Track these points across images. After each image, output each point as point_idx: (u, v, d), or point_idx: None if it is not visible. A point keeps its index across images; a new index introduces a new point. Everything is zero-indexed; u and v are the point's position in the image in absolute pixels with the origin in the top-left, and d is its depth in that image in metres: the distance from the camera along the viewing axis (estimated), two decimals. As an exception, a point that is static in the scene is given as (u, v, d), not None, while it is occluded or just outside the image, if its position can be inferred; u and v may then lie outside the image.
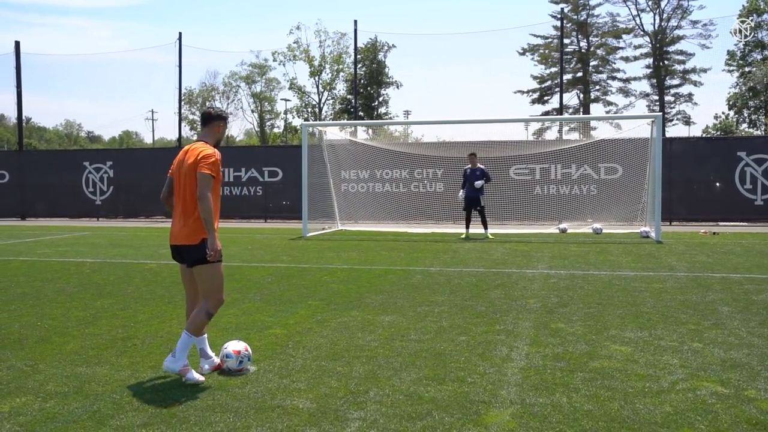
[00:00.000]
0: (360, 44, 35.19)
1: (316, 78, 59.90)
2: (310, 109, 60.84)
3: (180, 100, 30.18)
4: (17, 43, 28.66)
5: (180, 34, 27.40)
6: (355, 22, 29.03)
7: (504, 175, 22.30)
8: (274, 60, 61.05)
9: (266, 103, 72.00)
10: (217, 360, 5.84)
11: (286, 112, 67.65)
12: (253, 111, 72.54)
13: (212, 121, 5.82)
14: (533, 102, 61.96)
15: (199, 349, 5.80)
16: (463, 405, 4.95)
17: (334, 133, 24.86)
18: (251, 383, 5.50)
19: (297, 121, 63.63)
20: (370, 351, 6.43)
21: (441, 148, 24.37)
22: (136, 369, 5.96)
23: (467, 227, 18.48)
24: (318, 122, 30.30)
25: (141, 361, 6.24)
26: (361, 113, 49.83)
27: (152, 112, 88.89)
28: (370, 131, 44.01)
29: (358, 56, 36.37)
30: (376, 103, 58.34)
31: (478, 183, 17.94)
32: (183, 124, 33.91)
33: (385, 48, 56.74)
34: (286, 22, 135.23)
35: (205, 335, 5.85)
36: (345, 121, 36.99)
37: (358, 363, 6.03)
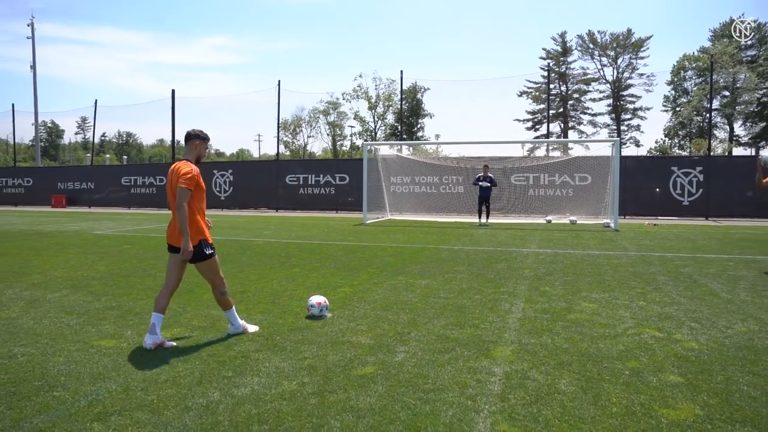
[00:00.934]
0: (404, 87, 34.98)
1: (373, 111, 60.05)
2: (368, 133, 60.90)
3: (278, 127, 30.40)
4: (173, 91, 29.23)
5: (279, 81, 27.61)
6: (401, 72, 28.96)
7: (507, 181, 22.33)
8: (343, 98, 61.58)
9: (337, 129, 72.30)
10: (160, 339, 4.91)
11: (351, 135, 67.91)
12: (328, 134, 72.83)
13: (190, 140, 5.09)
14: (528, 129, 61.97)
15: (152, 324, 4.90)
16: (478, 343, 4.95)
17: (385, 150, 24.84)
18: (328, 325, 5.57)
19: (359, 142, 63.83)
20: (412, 305, 6.44)
21: (462, 161, 24.19)
22: (250, 313, 6.07)
23: (479, 217, 18.40)
24: (374, 142, 30.16)
25: (253, 307, 6.35)
26: (404, 136, 49.76)
27: (259, 135, 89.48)
28: (411, 149, 43.89)
29: (403, 95, 36.26)
30: (416, 128, 58.19)
31: (484, 183, 18.08)
32: (280, 144, 34.00)
33: (422, 89, 56.68)
34: (352, 71, 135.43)
35: (162, 315, 4.95)
36: (393, 142, 36.83)
37: (402, 313, 6.05)
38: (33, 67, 45.91)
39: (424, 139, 57.29)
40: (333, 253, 10.99)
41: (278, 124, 30.05)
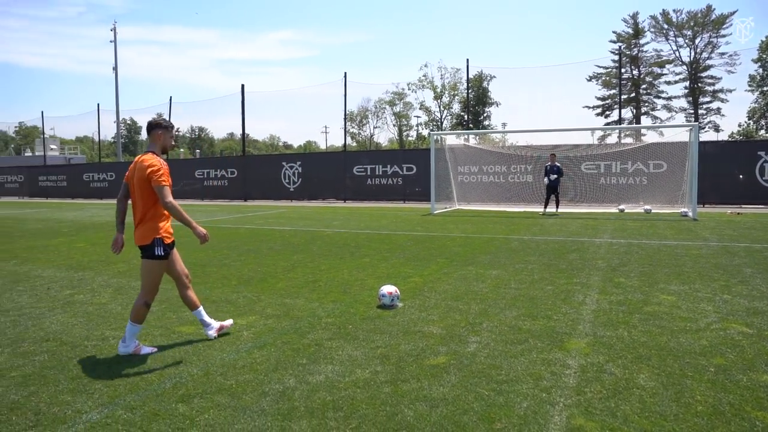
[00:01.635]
0: (470, 75, 34.47)
1: (438, 101, 59.73)
2: (434, 123, 60.63)
3: (345, 119, 30.68)
4: (242, 86, 30.04)
5: (345, 73, 27.83)
6: (467, 60, 28.96)
7: (577, 169, 21.65)
8: (409, 89, 61.53)
9: (403, 119, 72.38)
10: (218, 323, 4.98)
11: (417, 126, 67.81)
12: (394, 125, 73.03)
13: (152, 131, 4.74)
14: (597, 115, 59.46)
15: (200, 320, 4.92)
16: (551, 335, 4.85)
17: (451, 140, 24.61)
18: (399, 315, 5.59)
19: (425, 132, 63.62)
20: (482, 295, 6.38)
21: (529, 149, 23.68)
22: (322, 302, 6.17)
23: (545, 206, 17.99)
24: (441, 132, 29.97)
25: (325, 296, 6.45)
26: (470, 125, 49.12)
27: (325, 127, 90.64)
28: (478, 138, 43.34)
29: (469, 84, 35.79)
30: (482, 117, 57.31)
31: (552, 177, 17.62)
32: (347, 135, 34.31)
33: (488, 78, 55.65)
34: (417, 61, 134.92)
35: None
36: (460, 131, 36.44)
37: (473, 303, 6.00)
38: (115, 68, 48.35)
39: (491, 128, 56.43)
40: (402, 243, 11.00)
41: (345, 115, 30.32)
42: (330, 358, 4.37)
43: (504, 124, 60.07)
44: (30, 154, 67.75)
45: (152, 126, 4.75)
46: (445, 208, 21.12)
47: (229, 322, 5.12)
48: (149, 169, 4.51)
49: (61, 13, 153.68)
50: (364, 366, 4.18)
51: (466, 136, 27.29)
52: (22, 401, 3.71)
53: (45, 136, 50.26)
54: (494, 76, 54.96)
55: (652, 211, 18.43)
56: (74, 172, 38.44)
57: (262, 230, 13.92)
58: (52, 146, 61.26)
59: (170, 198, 4.53)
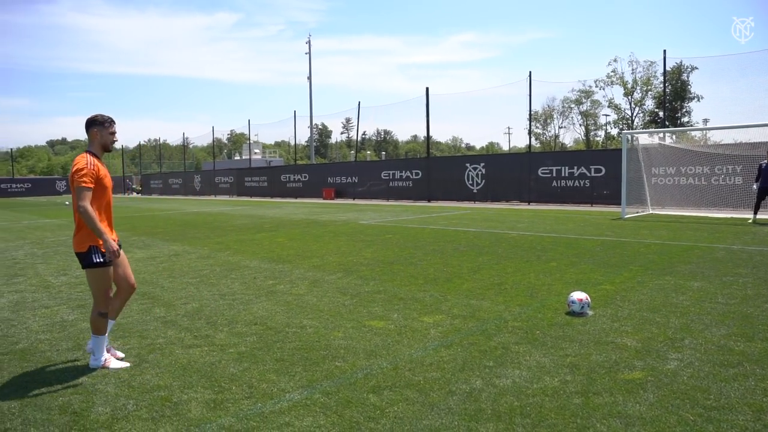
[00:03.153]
0: (667, 68, 31.59)
1: (629, 97, 55.73)
2: (624, 121, 56.70)
3: (530, 119, 29.98)
4: (427, 89, 30.64)
5: (530, 72, 27.00)
6: (664, 51, 26.29)
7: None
8: (596, 86, 58.24)
9: (590, 118, 68.80)
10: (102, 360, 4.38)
11: (605, 125, 63.99)
12: (580, 125, 69.77)
13: (88, 129, 4.40)
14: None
15: (96, 343, 4.41)
16: (771, 359, 4.26)
17: (644, 139, 22.74)
18: (590, 323, 5.30)
19: (613, 131, 59.87)
20: (683, 308, 5.80)
21: (738, 148, 21.06)
22: (509, 305, 6.06)
23: (755, 213, 15.78)
24: (633, 131, 27.83)
25: (511, 300, 6.32)
26: (667, 123, 45.05)
27: (508, 128, 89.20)
28: (675, 137, 39.70)
29: (666, 77, 32.88)
30: (679, 114, 52.22)
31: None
32: (531, 136, 33.45)
33: (688, 69, 50.50)
34: (605, 56, 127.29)
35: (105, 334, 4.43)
36: (654, 129, 33.60)
37: (673, 316, 5.48)
38: (309, 78, 52.34)
39: (690, 125, 51.26)
40: (590, 248, 10.44)
41: (530, 116, 29.59)
42: (517, 362, 4.27)
43: (705, 121, 54.21)
44: (238, 157, 75.91)
45: (88, 124, 4.42)
46: (637, 212, 19.61)
47: (124, 364, 4.44)
48: (73, 170, 4.23)
49: (264, 32, 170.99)
50: (552, 374, 4.02)
51: (661, 135, 25.11)
52: (238, 374, 4.15)
53: (250, 141, 55.92)
54: (695, 68, 49.79)
55: None
56: (273, 174, 42.23)
57: (446, 231, 14.08)
58: (256, 150, 68.00)
59: (85, 202, 4.12)
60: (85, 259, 4.26)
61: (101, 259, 4.26)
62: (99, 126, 4.40)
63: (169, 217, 22.11)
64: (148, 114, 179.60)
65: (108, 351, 4.49)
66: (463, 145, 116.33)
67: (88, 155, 4.32)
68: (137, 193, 61.04)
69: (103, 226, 4.20)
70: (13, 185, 62.74)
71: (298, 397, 3.73)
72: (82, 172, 4.17)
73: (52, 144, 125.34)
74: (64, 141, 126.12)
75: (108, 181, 4.41)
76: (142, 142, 76.55)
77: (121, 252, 4.45)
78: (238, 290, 7.17)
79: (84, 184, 4.15)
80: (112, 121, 4.47)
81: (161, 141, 72.04)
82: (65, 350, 4.86)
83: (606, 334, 4.95)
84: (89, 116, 4.42)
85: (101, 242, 4.21)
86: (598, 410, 3.41)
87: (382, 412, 3.47)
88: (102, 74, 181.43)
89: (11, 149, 79.48)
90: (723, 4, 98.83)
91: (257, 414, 3.48)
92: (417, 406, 3.54)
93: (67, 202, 37.44)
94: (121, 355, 4.60)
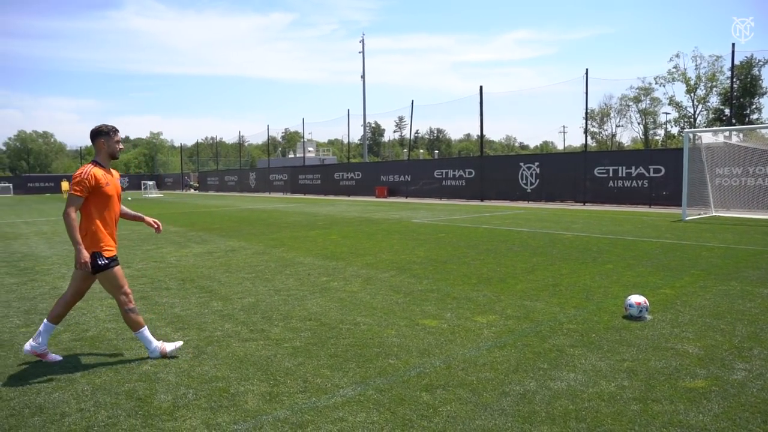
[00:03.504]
0: (736, 62, 30.23)
1: (692, 94, 53.40)
2: (685, 120, 54.49)
3: (586, 118, 29.32)
4: (480, 87, 30.34)
5: (587, 70, 26.35)
6: (732, 45, 25.20)
7: None
8: (656, 83, 56.17)
9: (649, 117, 66.68)
10: (41, 350, 4.49)
11: (666, 123, 61.86)
12: (638, 123, 67.77)
13: (93, 140, 4.49)
14: None
15: (39, 330, 4.51)
16: None
17: (708, 138, 21.87)
18: (648, 328, 5.15)
19: (674, 129, 57.77)
20: (751, 316, 5.55)
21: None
22: (563, 307, 5.95)
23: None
24: (696, 130, 26.76)
25: (566, 301, 6.21)
26: (733, 120, 43.09)
27: (563, 127, 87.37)
28: (742, 135, 38.01)
29: (734, 73, 31.44)
30: (748, 111, 49.79)
31: None
32: (587, 135, 32.67)
33: (759, 63, 47.99)
34: (667, 52, 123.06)
35: (54, 325, 4.53)
36: (720, 128, 32.27)
37: (740, 324, 5.26)
38: (363, 77, 52.58)
39: (761, 123, 48.91)
40: (649, 250, 10.12)
41: (586, 114, 28.97)
42: (572, 365, 4.20)
43: (778, 118, 51.67)
44: (292, 156, 77.18)
45: (93, 134, 4.50)
46: (699, 214, 18.90)
47: (56, 357, 4.57)
48: (73, 176, 4.36)
49: (318, 32, 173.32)
50: (609, 378, 3.93)
51: (726, 133, 24.13)
52: (293, 369, 4.24)
53: (304, 139, 56.68)
54: (768, 61, 47.37)
55: None
56: (327, 172, 42.70)
57: (499, 230, 13.92)
58: (310, 149, 68.96)
59: (70, 209, 4.26)
60: (92, 265, 4.34)
61: (105, 261, 4.37)
62: (105, 136, 4.49)
63: (225, 213, 22.68)
64: (205, 113, 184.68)
65: (45, 356, 4.52)
66: (516, 144, 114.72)
67: (89, 165, 4.43)
68: (194, 190, 62.89)
69: (79, 236, 4.27)
70: (80, 181, 65.80)
71: (352, 392, 3.77)
72: (75, 181, 4.31)
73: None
74: (127, 139, 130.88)
75: (111, 189, 4.47)
76: (199, 140, 78.77)
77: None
78: (293, 286, 7.30)
79: (74, 192, 4.29)
80: (116, 131, 4.57)
81: (218, 139, 74.10)
82: (129, 339, 5.06)
83: (666, 339, 4.80)
84: (96, 126, 4.52)
85: (104, 248, 4.37)
86: (657, 418, 3.32)
87: (435, 411, 3.47)
88: (162, 75, 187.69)
89: (80, 148, 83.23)
90: (723, 4, 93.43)
91: (312, 408, 3.54)
92: (470, 406, 3.53)
93: (129, 198, 38.95)
94: (58, 358, 4.56)
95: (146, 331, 4.54)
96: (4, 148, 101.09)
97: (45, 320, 4.53)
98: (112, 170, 4.61)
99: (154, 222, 4.98)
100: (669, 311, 5.73)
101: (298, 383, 3.96)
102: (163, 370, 4.25)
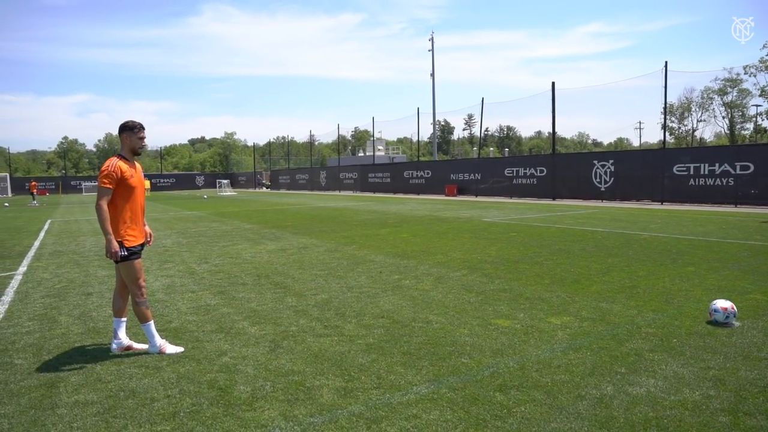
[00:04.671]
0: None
1: (788, 83, 50.22)
2: (781, 112, 51.35)
3: (665, 113, 28.09)
4: (553, 84, 29.63)
5: (666, 62, 25.18)
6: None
7: None
8: (746, 73, 52.93)
9: (736, 110, 62.97)
10: (125, 343, 4.74)
11: (756, 116, 58.23)
12: (723, 117, 64.17)
13: (120, 135, 4.68)
14: None
15: (114, 329, 4.75)
16: None
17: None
18: (737, 335, 4.89)
19: (765, 123, 54.40)
20: None
21: None
22: (641, 310, 5.75)
23: None
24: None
25: (644, 304, 5.99)
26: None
27: (639, 123, 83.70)
28: None
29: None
30: None
31: None
32: (665, 131, 31.26)
33: None
34: (760, 38, 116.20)
35: (121, 318, 4.73)
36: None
37: (837, 331, 4.93)
38: (432, 74, 52.38)
39: None
40: (735, 252, 9.61)
41: (665, 109, 27.75)
42: (652, 371, 4.05)
43: None
44: (362, 154, 77.91)
45: (120, 130, 4.68)
46: (792, 215, 17.77)
47: (178, 349, 4.77)
48: (101, 169, 4.53)
49: (387, 31, 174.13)
50: (693, 386, 3.77)
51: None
52: (367, 365, 4.30)
53: (374, 138, 57.12)
54: None
55: None
56: (396, 170, 42.88)
57: (572, 230, 13.58)
58: (379, 147, 69.41)
59: (101, 201, 4.44)
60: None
61: (125, 253, 4.55)
62: (129, 131, 4.66)
63: (297, 211, 23.20)
64: (276, 112, 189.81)
65: (131, 347, 4.74)
66: (589, 141, 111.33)
67: (114, 158, 4.61)
68: (266, 188, 64.62)
69: (110, 227, 4.45)
70: (161, 180, 70.18)
71: (425, 390, 3.79)
72: (103, 174, 4.48)
73: (192, 142, 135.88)
74: (203, 139, 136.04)
75: (135, 182, 4.65)
76: (271, 140, 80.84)
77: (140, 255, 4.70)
78: (365, 284, 7.39)
79: (103, 185, 4.47)
80: (141, 127, 4.73)
81: (289, 138, 75.69)
82: (209, 332, 5.28)
83: (757, 348, 4.55)
84: (123, 122, 4.69)
85: (126, 237, 4.56)
86: None
87: (509, 412, 3.44)
88: (236, 76, 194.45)
89: (160, 148, 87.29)
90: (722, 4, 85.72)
91: (385, 404, 3.59)
92: (545, 408, 3.47)
93: (205, 196, 40.46)
94: (144, 346, 4.77)
95: (152, 326, 4.71)
96: (94, 149, 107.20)
97: (113, 318, 4.76)
98: (136, 164, 4.79)
99: (149, 234, 5.04)
100: (760, 318, 5.41)
101: (372, 379, 4.01)
102: (241, 362, 4.41)
